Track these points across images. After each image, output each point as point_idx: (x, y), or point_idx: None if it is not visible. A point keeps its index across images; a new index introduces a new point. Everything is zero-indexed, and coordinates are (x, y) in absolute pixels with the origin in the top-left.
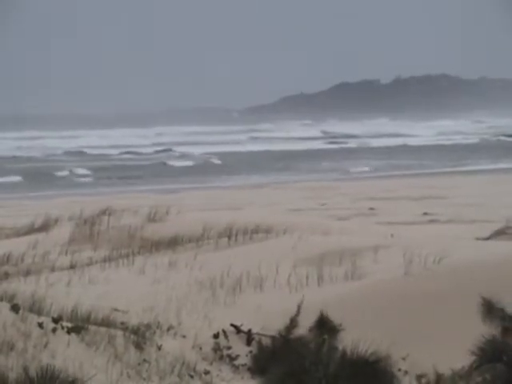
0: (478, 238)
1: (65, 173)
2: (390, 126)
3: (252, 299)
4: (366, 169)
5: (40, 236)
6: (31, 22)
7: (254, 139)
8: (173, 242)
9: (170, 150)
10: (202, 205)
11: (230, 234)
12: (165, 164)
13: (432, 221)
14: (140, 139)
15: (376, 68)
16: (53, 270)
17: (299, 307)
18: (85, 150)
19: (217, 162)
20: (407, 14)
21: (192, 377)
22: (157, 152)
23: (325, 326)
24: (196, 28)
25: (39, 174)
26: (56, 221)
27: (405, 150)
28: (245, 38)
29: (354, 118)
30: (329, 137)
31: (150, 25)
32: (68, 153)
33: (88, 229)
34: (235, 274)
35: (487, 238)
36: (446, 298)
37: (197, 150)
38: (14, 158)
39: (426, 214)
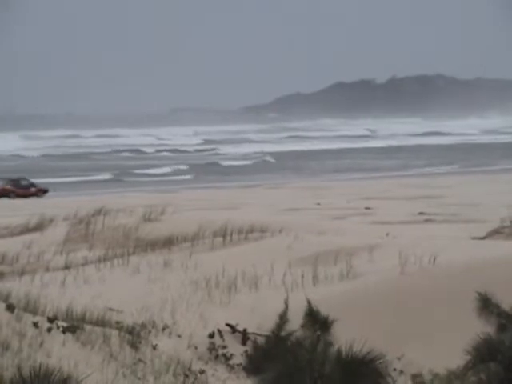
0: (473, 238)
1: (165, 169)
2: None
3: (247, 299)
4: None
5: (35, 235)
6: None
7: (294, 138)
8: (168, 242)
9: (215, 149)
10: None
11: (225, 234)
12: (217, 163)
13: (428, 220)
14: (186, 138)
15: (372, 67)
16: (48, 269)
17: (286, 303)
18: (143, 148)
19: (271, 160)
20: (403, 14)
21: (187, 376)
22: (206, 150)
23: (315, 320)
24: (191, 26)
25: (130, 174)
26: (51, 220)
27: (452, 148)
28: (240, 38)
29: (363, 116)
30: (376, 135)
31: (151, 26)
32: (135, 151)
33: (83, 229)
34: (230, 274)
35: (483, 238)
36: (442, 297)
37: (241, 150)
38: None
39: (421, 213)
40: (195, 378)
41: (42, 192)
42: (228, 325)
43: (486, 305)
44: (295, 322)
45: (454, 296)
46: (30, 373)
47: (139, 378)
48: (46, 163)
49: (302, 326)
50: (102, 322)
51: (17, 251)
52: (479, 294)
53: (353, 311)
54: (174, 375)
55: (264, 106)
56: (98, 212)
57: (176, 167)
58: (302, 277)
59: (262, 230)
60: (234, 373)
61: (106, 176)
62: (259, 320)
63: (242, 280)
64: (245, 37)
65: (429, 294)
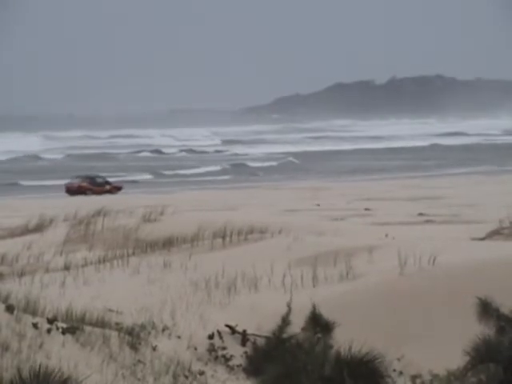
0: (473, 239)
1: (199, 170)
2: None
3: (247, 300)
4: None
5: (35, 236)
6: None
7: (310, 139)
8: (168, 243)
9: (227, 150)
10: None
11: (224, 235)
12: (245, 164)
13: (427, 221)
14: (204, 138)
15: (371, 68)
16: (47, 270)
17: (289, 305)
18: (164, 149)
19: (295, 161)
20: (402, 14)
21: (187, 377)
22: (225, 151)
23: (317, 323)
24: (189, 27)
25: (163, 175)
26: (51, 221)
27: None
28: (238, 39)
29: (369, 117)
30: (396, 136)
31: (149, 25)
32: (156, 151)
33: (83, 229)
34: (230, 275)
35: (482, 239)
36: (442, 298)
37: (261, 150)
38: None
39: (421, 214)
40: (195, 379)
41: (116, 189)
42: (227, 326)
43: (486, 310)
44: (295, 323)
45: (453, 297)
46: (30, 374)
47: (139, 379)
48: (74, 163)
49: (303, 329)
50: (101, 323)
51: (17, 252)
52: (479, 299)
53: (353, 312)
54: (174, 376)
55: (264, 106)
56: (98, 213)
57: (208, 168)
58: (302, 278)
59: (262, 231)
60: (233, 374)
61: (146, 176)
62: (259, 321)
63: (241, 281)
64: (243, 37)
65: (428, 294)
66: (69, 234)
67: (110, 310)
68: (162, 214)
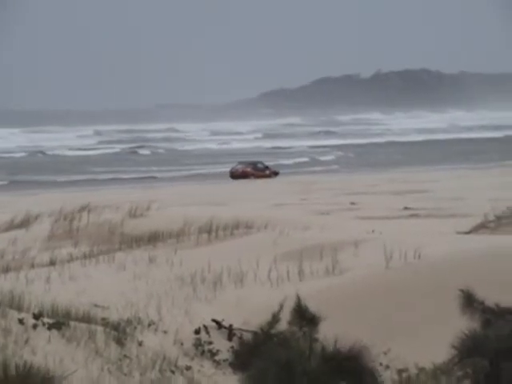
0: (458, 232)
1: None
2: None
3: (233, 294)
4: None
5: (20, 232)
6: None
7: (330, 133)
8: (153, 238)
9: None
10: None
11: (210, 230)
12: (315, 158)
13: (413, 215)
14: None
15: (357, 62)
16: (33, 266)
17: (281, 305)
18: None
19: (351, 155)
20: (388, 9)
21: (173, 372)
22: (267, 146)
23: (303, 317)
24: (170, 22)
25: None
26: (36, 217)
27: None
28: (221, 33)
29: (368, 110)
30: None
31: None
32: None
33: (68, 225)
34: (216, 270)
35: (468, 232)
36: (427, 292)
37: (298, 144)
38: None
39: (406, 208)
40: (181, 374)
41: (274, 174)
42: (214, 320)
43: (470, 302)
44: (282, 317)
45: (439, 290)
46: (16, 370)
47: (125, 374)
48: (135, 158)
49: (290, 323)
50: (87, 319)
51: (2, 248)
52: (462, 291)
53: (339, 306)
54: (160, 371)
55: (251, 101)
56: (84, 208)
57: (297, 160)
58: (288, 272)
59: (248, 226)
60: (220, 369)
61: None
62: (245, 316)
63: (227, 276)
64: (226, 31)
65: (414, 288)
66: (53, 230)
67: (96, 306)
68: (148, 208)
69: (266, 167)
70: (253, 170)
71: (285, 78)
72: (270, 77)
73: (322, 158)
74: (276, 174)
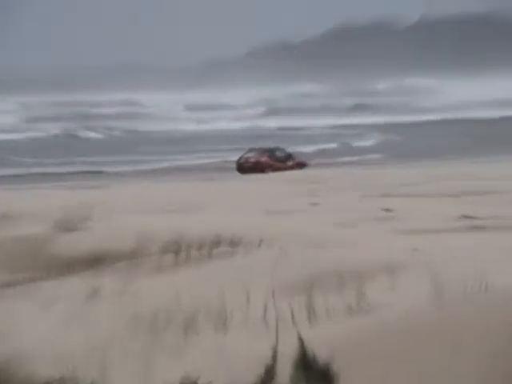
0: None
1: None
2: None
3: (212, 344)
4: None
5: None
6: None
7: (362, 107)
8: (95, 261)
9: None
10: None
11: (178, 249)
12: (348, 143)
13: (475, 227)
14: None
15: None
16: None
17: (275, 351)
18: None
19: (397, 139)
20: None
21: None
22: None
23: (312, 375)
24: None
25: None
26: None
27: None
28: None
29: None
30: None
31: None
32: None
33: None
34: (187, 307)
35: None
36: (495, 338)
37: (319, 122)
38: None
39: (465, 217)
40: None
41: (300, 166)
42: (185, 380)
43: None
44: (283, 376)
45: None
46: None
47: None
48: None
49: (292, 380)
50: (5, 375)
51: None
52: None
53: (365, 359)
54: None
55: (232, 60)
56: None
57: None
58: (292, 311)
59: (233, 243)
60: None
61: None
62: (229, 373)
63: (203, 316)
64: None
65: (477, 334)
66: None
67: (16, 359)
68: (86, 218)
69: (289, 156)
70: (270, 160)
71: (285, 27)
72: (263, 25)
73: (356, 144)
74: (303, 165)
